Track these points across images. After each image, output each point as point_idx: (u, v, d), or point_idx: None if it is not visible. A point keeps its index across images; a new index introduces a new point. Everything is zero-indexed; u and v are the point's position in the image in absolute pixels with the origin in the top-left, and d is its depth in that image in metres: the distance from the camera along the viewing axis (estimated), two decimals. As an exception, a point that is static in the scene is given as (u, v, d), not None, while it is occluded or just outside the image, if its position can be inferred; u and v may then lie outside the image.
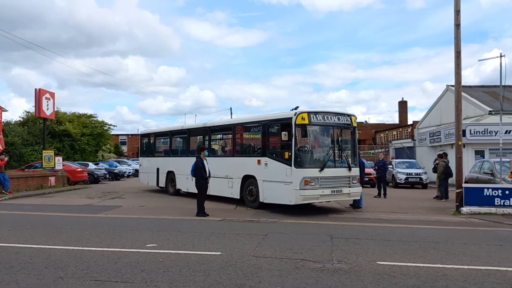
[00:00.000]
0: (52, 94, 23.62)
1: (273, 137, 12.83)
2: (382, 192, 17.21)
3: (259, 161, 12.94)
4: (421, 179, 22.90)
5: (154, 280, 5.26)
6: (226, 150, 15.43)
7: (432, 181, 24.42)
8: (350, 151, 12.99)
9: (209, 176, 12.01)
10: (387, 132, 60.71)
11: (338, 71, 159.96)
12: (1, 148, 18.10)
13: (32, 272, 5.64)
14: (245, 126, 14.73)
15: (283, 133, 12.03)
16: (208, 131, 16.44)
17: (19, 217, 11.20)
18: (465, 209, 12.55)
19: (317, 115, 12.13)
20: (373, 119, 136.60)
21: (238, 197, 13.91)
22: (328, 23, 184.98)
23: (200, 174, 11.72)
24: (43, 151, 22.88)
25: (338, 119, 12.57)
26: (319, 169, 11.72)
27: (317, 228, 9.59)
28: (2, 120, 19.39)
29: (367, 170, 23.58)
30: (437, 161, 17.46)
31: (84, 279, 5.29)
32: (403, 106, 62.79)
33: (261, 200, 12.89)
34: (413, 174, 23.01)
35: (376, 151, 45.70)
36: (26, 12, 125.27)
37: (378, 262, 6.27)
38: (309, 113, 11.94)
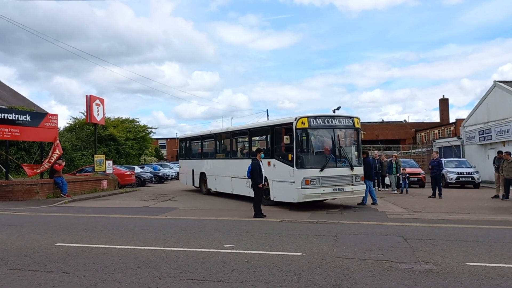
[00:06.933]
0: (102, 100, 24.32)
1: (279, 140, 13.74)
2: (437, 192, 16.73)
3: (269, 163, 13.68)
4: (473, 178, 22.16)
5: (249, 280, 5.35)
6: (244, 153, 16.35)
7: (485, 180, 23.73)
8: (352, 151, 13.70)
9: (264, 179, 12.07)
10: (428, 131, 59.17)
11: (372, 71, 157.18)
12: (59, 153, 18.78)
13: (127, 271, 5.84)
14: (257, 131, 15.90)
15: (285, 136, 13.20)
16: (230, 135, 17.49)
17: (87, 220, 11.62)
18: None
19: (317, 119, 12.91)
20: (409, 119, 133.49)
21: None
22: (361, 23, 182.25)
23: (257, 176, 11.76)
24: (95, 156, 23.64)
25: (339, 121, 13.35)
26: (319, 169, 12.44)
27: (384, 229, 9.46)
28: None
29: (415, 170, 23.28)
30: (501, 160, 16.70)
31: (180, 278, 5.44)
32: (444, 104, 61.07)
33: (271, 198, 13.76)
34: (465, 173, 22.31)
35: (418, 150, 44.67)
36: (69, 24, 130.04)
37: (467, 263, 6.13)
38: (308, 117, 12.73)
